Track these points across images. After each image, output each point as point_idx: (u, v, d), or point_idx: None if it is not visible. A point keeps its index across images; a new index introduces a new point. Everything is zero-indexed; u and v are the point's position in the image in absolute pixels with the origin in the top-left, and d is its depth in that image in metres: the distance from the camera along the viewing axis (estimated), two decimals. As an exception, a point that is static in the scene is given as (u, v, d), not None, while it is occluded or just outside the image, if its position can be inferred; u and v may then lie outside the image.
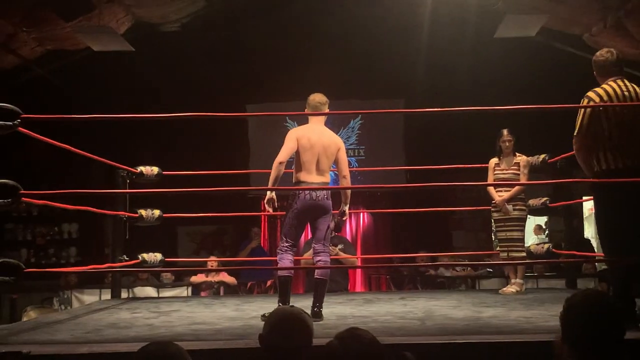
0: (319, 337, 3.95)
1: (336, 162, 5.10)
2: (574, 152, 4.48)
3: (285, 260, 4.94)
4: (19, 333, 4.35)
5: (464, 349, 3.59)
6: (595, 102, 4.36)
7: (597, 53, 4.59)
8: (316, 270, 5.02)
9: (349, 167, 10.39)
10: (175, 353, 2.09)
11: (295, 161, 5.03)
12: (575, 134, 4.40)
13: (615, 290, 4.24)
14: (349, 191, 5.27)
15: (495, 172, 6.70)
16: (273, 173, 4.90)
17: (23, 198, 4.17)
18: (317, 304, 4.91)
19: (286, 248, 4.99)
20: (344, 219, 5.40)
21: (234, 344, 3.79)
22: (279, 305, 4.61)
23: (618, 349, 2.30)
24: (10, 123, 4.02)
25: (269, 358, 2.71)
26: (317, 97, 5.13)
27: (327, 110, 5.15)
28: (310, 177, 4.95)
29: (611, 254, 4.35)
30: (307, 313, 2.86)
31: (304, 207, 4.94)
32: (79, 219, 10.80)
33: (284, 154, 4.94)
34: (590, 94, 4.42)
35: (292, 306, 2.92)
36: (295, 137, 4.99)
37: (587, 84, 8.99)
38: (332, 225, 6.90)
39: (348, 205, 5.22)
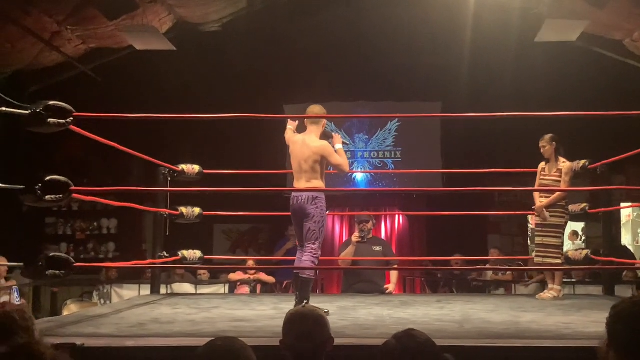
0: (359, 337, 4.06)
1: (330, 165, 5.49)
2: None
3: (297, 260, 5.52)
4: (65, 326, 4.45)
5: (506, 352, 3.61)
6: None
7: None
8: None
9: (386, 169, 10.49)
10: (241, 348, 2.16)
11: None
12: None
13: None
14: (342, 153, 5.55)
15: (541, 177, 6.65)
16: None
17: (74, 195, 4.28)
18: (298, 303, 5.16)
19: (298, 249, 5.58)
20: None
21: (276, 341, 3.84)
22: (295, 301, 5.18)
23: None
24: (64, 121, 4.13)
25: None
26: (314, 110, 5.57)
27: (324, 121, 5.61)
28: (297, 184, 5.44)
29: None
30: (319, 308, 2.92)
31: (291, 211, 5.48)
32: (118, 215, 10.96)
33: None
34: None
35: (304, 306, 2.98)
36: (287, 139, 5.66)
37: (628, 89, 8.97)
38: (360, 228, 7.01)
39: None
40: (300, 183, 5.42)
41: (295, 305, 5.10)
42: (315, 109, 5.53)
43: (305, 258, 5.31)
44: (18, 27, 7.99)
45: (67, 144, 10.32)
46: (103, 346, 3.47)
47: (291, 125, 5.75)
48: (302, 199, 5.34)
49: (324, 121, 5.61)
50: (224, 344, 2.18)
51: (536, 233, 6.67)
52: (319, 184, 5.39)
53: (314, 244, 5.32)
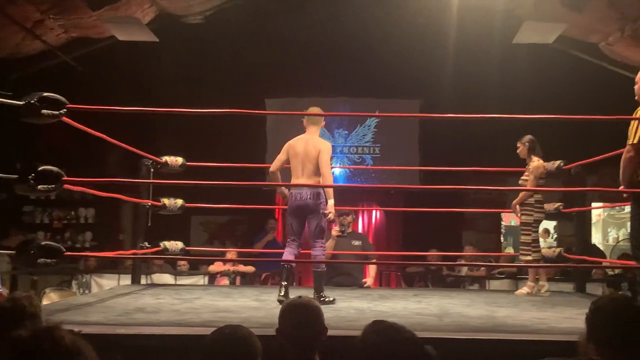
0: (344, 329, 4.16)
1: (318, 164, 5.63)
2: (623, 158, 4.58)
3: (286, 252, 5.71)
4: (54, 313, 4.51)
5: (485, 345, 3.75)
6: None
7: None
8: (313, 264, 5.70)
9: (365, 165, 10.59)
10: (248, 335, 2.27)
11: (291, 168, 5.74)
12: (633, 142, 4.50)
13: None
14: (329, 189, 5.67)
15: None
16: (270, 179, 5.96)
17: (65, 185, 4.35)
18: (316, 294, 5.47)
19: (289, 242, 5.76)
20: (328, 216, 5.67)
21: (263, 331, 3.93)
22: (280, 284, 5.45)
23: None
24: (57, 112, 4.20)
25: (289, 349, 2.87)
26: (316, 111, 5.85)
27: (323, 121, 5.95)
28: (298, 180, 5.63)
29: None
30: (315, 301, 3.06)
31: (290, 208, 5.66)
32: (95, 205, 10.98)
33: (274, 165, 5.83)
34: None
35: (300, 297, 3.11)
36: (286, 148, 5.77)
37: (603, 91, 9.14)
38: (340, 222, 7.14)
39: (332, 201, 5.61)
40: (300, 180, 5.61)
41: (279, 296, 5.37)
42: (315, 111, 5.82)
43: (317, 252, 5.62)
44: (1, 15, 7.99)
45: (46, 133, 10.28)
46: (97, 333, 3.55)
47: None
48: (306, 196, 5.55)
49: (323, 122, 5.94)
50: (231, 331, 2.29)
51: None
52: (319, 180, 5.60)
53: (322, 239, 5.67)
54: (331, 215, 5.61)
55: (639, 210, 4.62)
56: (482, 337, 3.92)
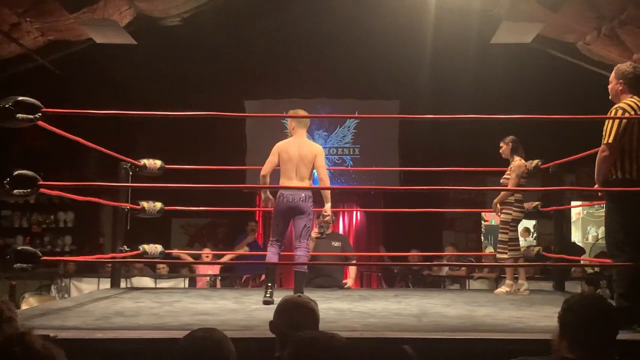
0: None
1: (315, 168, 5.73)
2: (598, 157, 4.61)
3: (269, 253, 5.77)
4: (30, 318, 4.48)
5: (462, 344, 3.77)
6: (631, 114, 4.51)
7: (628, 65, 4.71)
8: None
9: (344, 166, 10.63)
10: (221, 339, 2.25)
11: (280, 170, 5.74)
12: (608, 142, 4.52)
13: (625, 292, 4.40)
14: (327, 192, 5.85)
15: None
16: (261, 183, 5.85)
17: (42, 189, 4.32)
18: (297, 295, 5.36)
19: (271, 242, 5.80)
20: (326, 218, 6.03)
21: (241, 334, 3.94)
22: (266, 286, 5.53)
23: (610, 347, 2.50)
24: (32, 116, 4.17)
25: (279, 344, 2.86)
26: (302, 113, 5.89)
27: (308, 122, 6.07)
28: (290, 183, 5.66)
29: (622, 257, 4.50)
30: (313, 301, 3.04)
31: (281, 209, 5.70)
32: (75, 208, 10.91)
33: (266, 168, 5.78)
34: (624, 105, 4.56)
35: (300, 295, 3.09)
36: (277, 151, 5.78)
37: (580, 90, 9.21)
38: (319, 223, 7.17)
39: (329, 204, 5.81)
40: (292, 183, 5.65)
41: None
42: (300, 112, 5.84)
43: (301, 253, 5.68)
44: (-24, 18, 7.93)
45: (24, 137, 10.23)
46: (74, 338, 3.54)
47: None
48: (299, 198, 5.61)
49: (309, 123, 6.06)
50: (205, 335, 2.28)
51: None
52: (311, 183, 5.74)
53: (307, 239, 5.72)
54: (328, 218, 5.91)
55: (613, 208, 4.65)
56: (460, 336, 3.93)
